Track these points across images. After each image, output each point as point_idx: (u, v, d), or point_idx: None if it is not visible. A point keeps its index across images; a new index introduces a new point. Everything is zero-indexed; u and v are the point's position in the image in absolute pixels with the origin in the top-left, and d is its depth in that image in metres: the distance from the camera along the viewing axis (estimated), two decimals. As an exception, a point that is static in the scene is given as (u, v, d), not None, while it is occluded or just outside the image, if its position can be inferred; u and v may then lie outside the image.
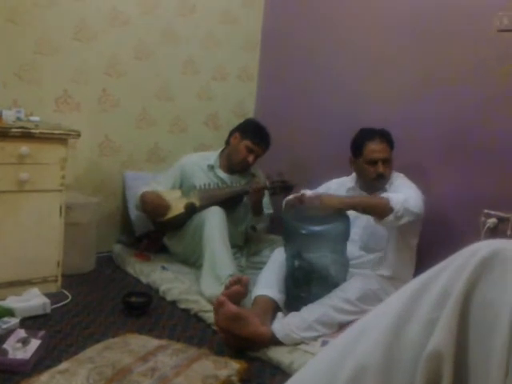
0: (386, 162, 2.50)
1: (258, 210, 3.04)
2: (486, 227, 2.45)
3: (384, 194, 2.34)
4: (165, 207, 2.87)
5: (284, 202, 2.71)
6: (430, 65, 2.75)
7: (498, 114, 2.49)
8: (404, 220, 2.26)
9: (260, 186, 2.94)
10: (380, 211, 2.28)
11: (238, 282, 2.41)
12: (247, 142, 2.98)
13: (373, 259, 2.51)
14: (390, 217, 2.24)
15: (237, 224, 3.05)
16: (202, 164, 3.09)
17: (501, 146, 2.48)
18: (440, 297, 0.56)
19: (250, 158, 2.99)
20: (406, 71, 2.87)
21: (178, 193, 2.99)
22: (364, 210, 2.36)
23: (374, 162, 2.49)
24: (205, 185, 3.00)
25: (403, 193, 2.34)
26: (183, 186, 3.05)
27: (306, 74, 3.45)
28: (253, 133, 3.01)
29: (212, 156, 3.14)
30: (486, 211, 2.48)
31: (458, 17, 2.63)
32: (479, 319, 0.54)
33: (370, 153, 2.50)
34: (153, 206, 2.85)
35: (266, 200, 3.09)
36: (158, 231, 3.13)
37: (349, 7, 3.20)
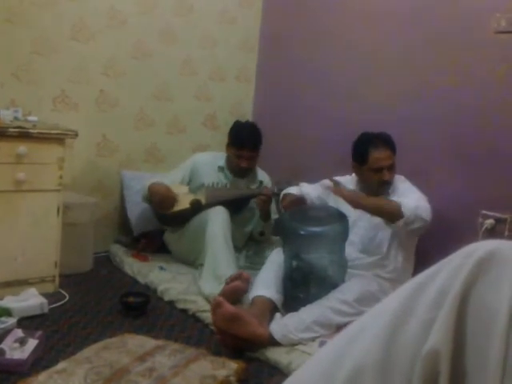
0: (391, 168, 2.49)
1: (266, 216, 3.04)
2: (483, 228, 2.46)
3: (396, 199, 2.34)
4: (172, 200, 2.88)
5: (283, 196, 2.73)
6: (428, 67, 2.76)
7: (495, 116, 2.49)
8: (414, 226, 2.28)
9: (268, 194, 2.94)
10: (391, 215, 2.31)
11: (238, 277, 2.42)
12: (234, 150, 3.01)
13: (372, 262, 2.50)
14: (401, 222, 2.26)
15: (240, 226, 3.06)
16: (213, 163, 3.11)
17: (498, 148, 2.48)
18: (437, 297, 0.56)
19: (243, 164, 3.00)
20: (404, 73, 2.88)
21: (185, 188, 3.00)
22: (374, 212, 2.38)
23: (379, 170, 2.47)
24: (213, 184, 3.01)
25: (412, 198, 2.35)
26: (192, 183, 3.06)
27: (303, 75, 3.45)
28: (235, 139, 3.01)
29: (223, 157, 3.15)
30: (483, 212, 2.48)
31: (455, 19, 2.64)
32: (476, 319, 0.54)
33: (375, 161, 2.46)
34: (161, 198, 2.86)
35: (272, 205, 3.10)
36: (158, 228, 3.13)
37: (348, 9, 3.20)
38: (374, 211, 2.38)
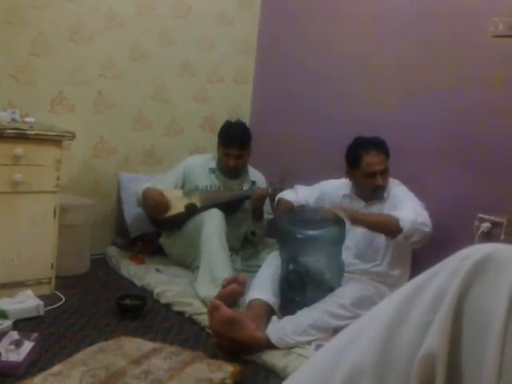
0: (384, 172, 2.49)
1: (258, 215, 3.05)
2: (479, 231, 2.46)
3: (394, 213, 2.33)
4: (165, 205, 2.89)
5: (278, 201, 2.73)
6: (426, 70, 2.76)
7: (492, 119, 2.50)
8: (413, 239, 2.28)
9: (262, 193, 2.95)
10: (389, 231, 2.31)
11: (234, 280, 2.42)
12: (222, 149, 3.01)
13: (367, 269, 2.50)
14: (400, 237, 2.26)
15: (235, 227, 3.06)
16: (205, 166, 3.11)
17: (495, 151, 2.49)
18: (434, 300, 0.57)
19: (231, 162, 2.99)
20: (401, 77, 2.88)
21: (179, 192, 3.00)
22: (373, 229, 2.38)
23: (372, 175, 2.47)
24: (207, 186, 3.01)
25: (410, 209, 2.34)
26: (185, 186, 3.06)
27: (301, 77, 3.45)
28: (223, 138, 3.02)
29: (214, 159, 3.15)
30: (479, 216, 2.48)
31: (453, 23, 2.64)
32: (473, 322, 0.54)
33: (367, 166, 2.46)
34: (154, 203, 2.86)
35: (266, 206, 3.10)
36: (155, 230, 3.13)
37: (345, 12, 3.21)
38: (372, 228, 2.37)
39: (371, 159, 2.47)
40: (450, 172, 2.67)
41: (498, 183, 2.47)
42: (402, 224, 2.25)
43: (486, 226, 2.46)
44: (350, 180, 2.62)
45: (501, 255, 0.58)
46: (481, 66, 2.54)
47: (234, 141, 2.96)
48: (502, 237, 2.41)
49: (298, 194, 2.75)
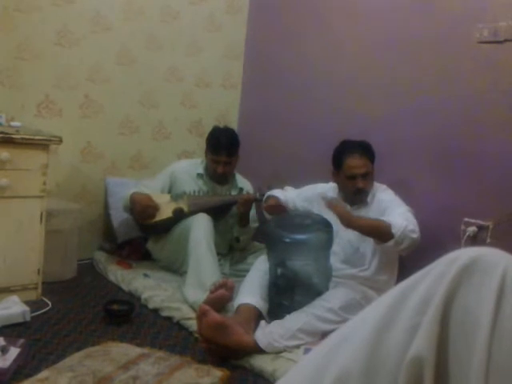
0: (366, 176, 2.49)
1: (244, 221, 3.05)
2: (466, 235, 2.48)
3: (386, 219, 2.32)
4: (154, 209, 2.88)
5: (266, 197, 2.73)
6: (412, 77, 2.79)
7: (478, 125, 2.52)
8: (403, 245, 2.27)
9: (249, 197, 2.97)
10: (381, 236, 2.29)
11: (223, 286, 2.42)
12: (210, 156, 3.01)
13: (355, 273, 2.50)
14: (391, 242, 2.26)
15: (223, 232, 3.06)
16: (192, 171, 3.10)
17: (480, 156, 2.51)
18: (421, 303, 0.57)
19: (219, 169, 2.99)
20: (388, 84, 2.90)
21: (167, 197, 2.99)
22: (365, 233, 2.37)
23: (353, 177, 2.48)
24: (194, 191, 3.01)
25: (401, 214, 2.34)
26: (172, 192, 3.05)
27: (289, 83, 3.46)
28: (211, 145, 3.02)
29: (202, 164, 3.15)
30: (466, 219, 2.51)
31: (439, 29, 2.67)
32: (459, 326, 0.55)
33: (349, 168, 2.48)
34: (142, 207, 2.85)
35: (252, 213, 3.10)
36: (142, 235, 3.12)
37: (332, 19, 3.22)
38: (365, 232, 2.36)
39: (353, 162, 2.48)
40: (437, 177, 2.69)
41: (484, 187, 2.50)
42: (394, 230, 2.24)
43: (472, 229, 2.48)
44: (335, 182, 2.63)
45: (486, 259, 0.59)
46: (466, 72, 2.56)
47: (223, 148, 2.96)
48: (488, 240, 2.43)
49: (286, 194, 2.77)
